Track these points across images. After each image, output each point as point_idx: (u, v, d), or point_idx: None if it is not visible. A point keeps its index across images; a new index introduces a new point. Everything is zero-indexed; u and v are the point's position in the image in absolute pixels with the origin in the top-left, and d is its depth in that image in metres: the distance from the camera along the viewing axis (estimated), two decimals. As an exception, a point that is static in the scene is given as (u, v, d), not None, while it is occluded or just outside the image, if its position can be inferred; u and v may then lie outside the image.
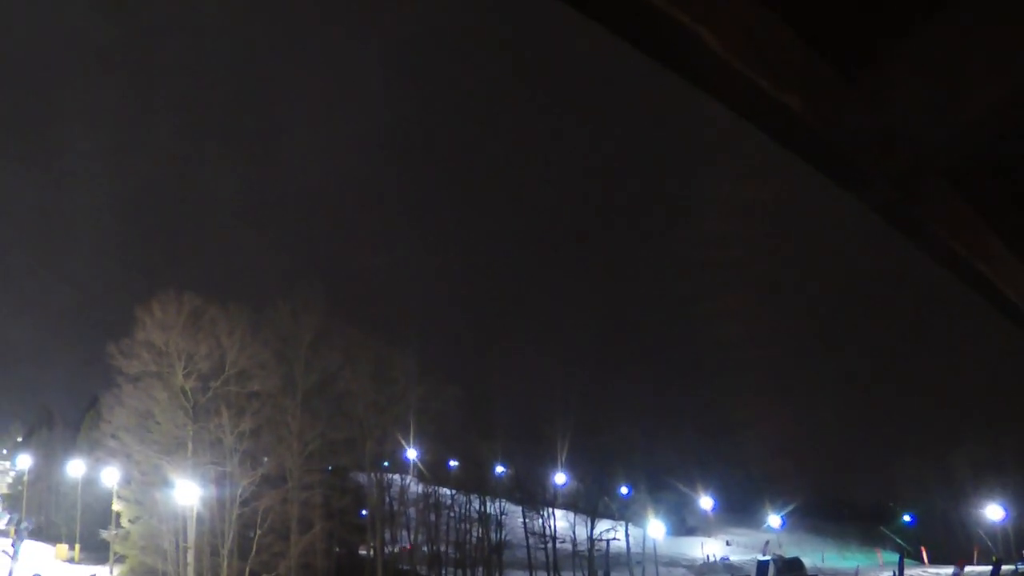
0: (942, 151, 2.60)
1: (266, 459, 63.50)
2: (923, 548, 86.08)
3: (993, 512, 77.46)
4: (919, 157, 2.56)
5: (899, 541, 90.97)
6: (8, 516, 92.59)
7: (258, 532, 60.51)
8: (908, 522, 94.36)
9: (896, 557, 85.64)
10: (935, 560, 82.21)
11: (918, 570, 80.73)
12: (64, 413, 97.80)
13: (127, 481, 65.62)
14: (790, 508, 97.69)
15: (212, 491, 60.57)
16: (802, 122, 2.36)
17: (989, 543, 79.08)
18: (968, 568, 72.80)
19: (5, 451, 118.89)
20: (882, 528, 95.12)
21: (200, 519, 59.81)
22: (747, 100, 2.32)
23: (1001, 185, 2.91)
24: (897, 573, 79.53)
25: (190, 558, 59.61)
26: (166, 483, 59.88)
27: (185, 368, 61.39)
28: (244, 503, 60.70)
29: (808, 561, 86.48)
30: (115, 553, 67.30)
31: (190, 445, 60.75)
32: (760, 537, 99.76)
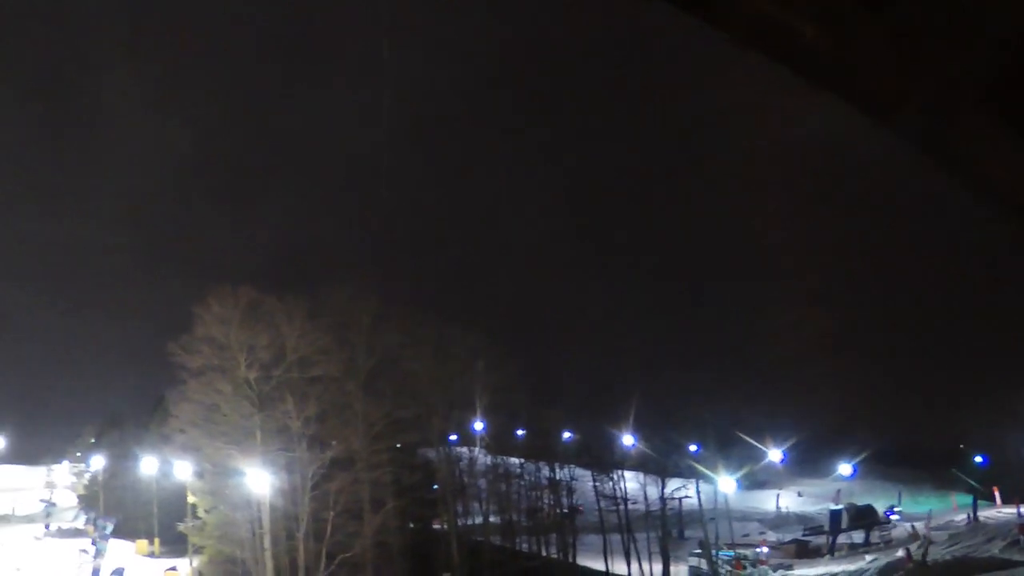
0: (976, 76, 2.49)
1: (334, 442, 63.97)
2: (995, 489, 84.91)
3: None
4: (951, 83, 2.46)
5: (972, 483, 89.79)
6: (86, 516, 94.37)
7: (331, 514, 60.97)
8: (980, 463, 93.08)
9: (970, 499, 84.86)
10: (1008, 500, 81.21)
11: (992, 511, 79.96)
12: (133, 413, 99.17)
13: (199, 474, 66.58)
14: (861, 457, 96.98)
15: (283, 477, 61.25)
16: (819, 51, 2.30)
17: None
18: None
19: (79, 454, 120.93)
20: (954, 471, 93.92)
21: (273, 505, 60.54)
22: (760, 31, 2.27)
23: None
24: (972, 515, 78.88)
25: (267, 543, 60.35)
26: (237, 472, 60.62)
27: (247, 359, 61.96)
28: (315, 487, 61.24)
29: (881, 507, 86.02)
30: (193, 544, 68.37)
31: (258, 434, 61.38)
32: (831, 487, 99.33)
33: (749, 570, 72.27)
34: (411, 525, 73.77)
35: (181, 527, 70.49)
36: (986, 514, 78.13)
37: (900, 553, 64.48)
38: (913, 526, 77.13)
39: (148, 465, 79.92)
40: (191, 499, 67.73)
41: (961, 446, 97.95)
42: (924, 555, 61.31)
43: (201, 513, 66.78)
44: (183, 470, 69.25)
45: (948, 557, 61.89)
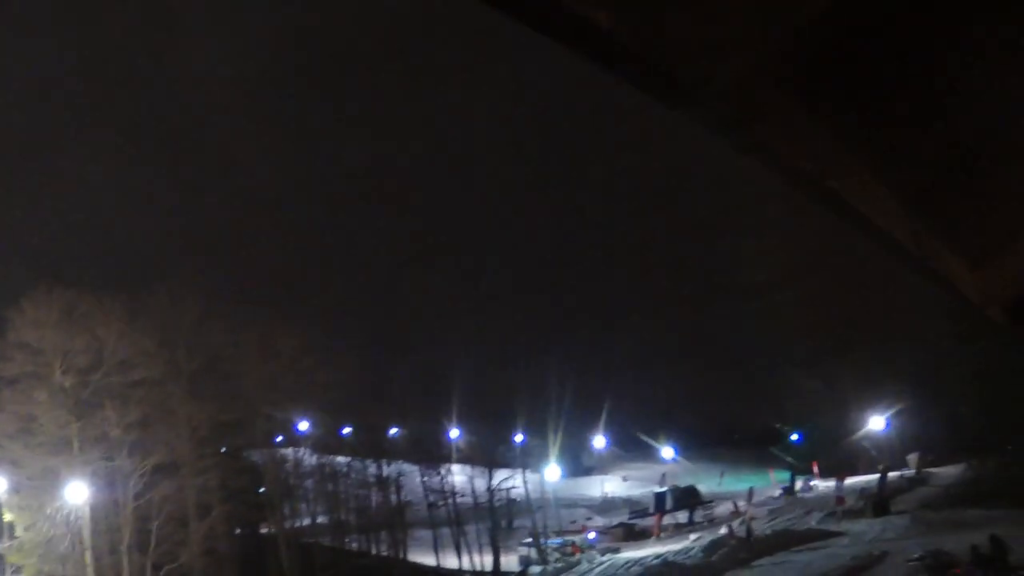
0: (777, 58, 2.43)
1: (158, 448, 62.29)
2: (814, 464, 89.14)
3: (876, 423, 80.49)
4: (751, 67, 2.36)
5: (789, 460, 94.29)
6: None
7: (155, 523, 59.49)
8: (796, 441, 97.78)
9: (788, 475, 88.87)
10: (825, 474, 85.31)
11: (811, 483, 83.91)
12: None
13: (15, 489, 63.75)
14: (683, 440, 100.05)
15: (104, 488, 59.34)
16: (615, 40, 2.11)
17: (874, 453, 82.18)
18: (855, 479, 75.87)
19: None
20: (772, 450, 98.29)
21: (95, 518, 58.54)
22: (549, 19, 2.04)
23: (847, 92, 2.82)
24: (788, 489, 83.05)
25: (88, 559, 58.27)
26: (57, 485, 58.33)
27: (63, 365, 59.65)
28: (139, 495, 59.67)
29: (704, 488, 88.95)
30: (11, 564, 65.53)
31: (76, 443, 59.21)
32: (656, 471, 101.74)
33: (578, 555, 73.79)
34: (239, 531, 72.50)
35: (-2, 547, 67.58)
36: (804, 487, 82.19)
37: (723, 530, 66.83)
38: (735, 503, 79.90)
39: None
40: (8, 517, 64.85)
41: (778, 425, 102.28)
42: (747, 531, 63.69)
43: (19, 531, 63.95)
44: (-2, 486, 66.28)
45: (769, 531, 64.78)
